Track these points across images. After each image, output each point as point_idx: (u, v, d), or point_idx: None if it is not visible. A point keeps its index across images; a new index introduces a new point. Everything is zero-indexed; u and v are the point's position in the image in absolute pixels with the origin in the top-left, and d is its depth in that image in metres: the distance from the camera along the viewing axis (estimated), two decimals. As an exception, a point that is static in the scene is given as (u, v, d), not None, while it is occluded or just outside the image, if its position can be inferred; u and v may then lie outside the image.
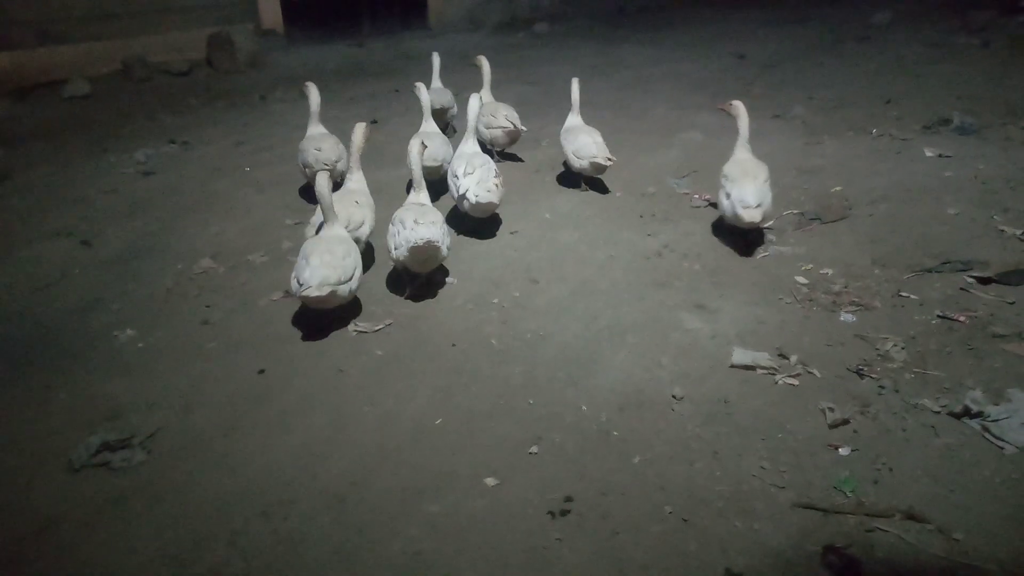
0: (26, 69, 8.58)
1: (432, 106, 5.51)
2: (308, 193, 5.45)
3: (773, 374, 3.28)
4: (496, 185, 4.57)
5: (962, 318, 3.56)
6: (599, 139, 5.13)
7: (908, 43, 9.08)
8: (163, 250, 4.79)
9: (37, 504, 2.77)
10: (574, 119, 5.35)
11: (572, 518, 2.61)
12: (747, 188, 4.13)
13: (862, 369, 3.27)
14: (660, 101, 7.55)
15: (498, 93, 6.81)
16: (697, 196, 5.15)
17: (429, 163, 4.86)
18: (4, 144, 6.48)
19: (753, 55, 9.40)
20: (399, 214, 4.03)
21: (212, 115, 7.90)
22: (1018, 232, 4.28)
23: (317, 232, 4.05)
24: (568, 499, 2.68)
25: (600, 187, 5.44)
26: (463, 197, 4.57)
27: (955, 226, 4.44)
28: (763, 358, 3.36)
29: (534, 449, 2.94)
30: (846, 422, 2.94)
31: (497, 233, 4.82)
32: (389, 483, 2.81)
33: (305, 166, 5.15)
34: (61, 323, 4.01)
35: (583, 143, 5.12)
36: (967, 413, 2.93)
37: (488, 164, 4.67)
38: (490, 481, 2.79)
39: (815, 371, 3.28)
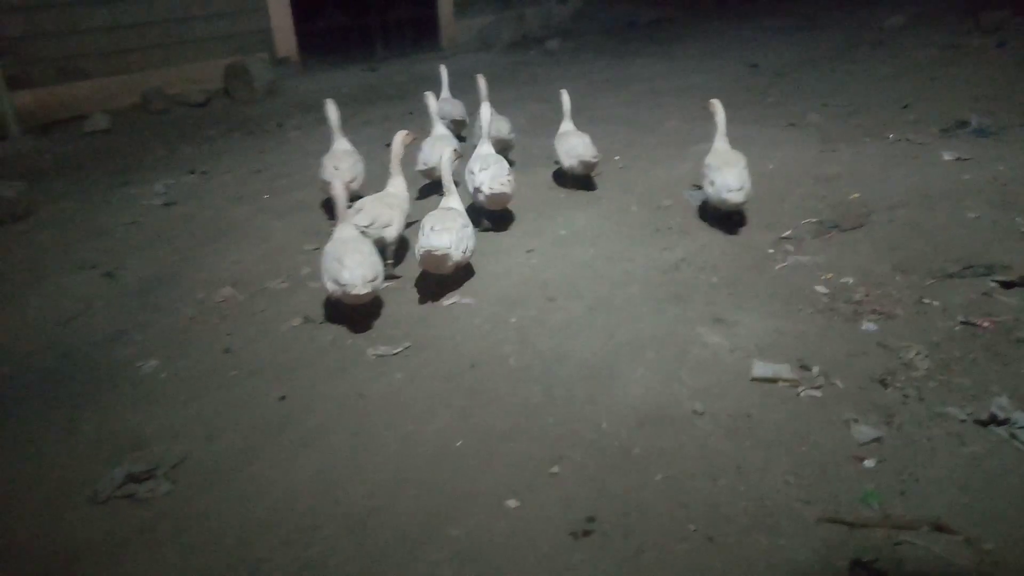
0: (47, 106, 8.75)
1: (444, 115, 6.30)
2: (331, 209, 5.53)
3: (795, 386, 3.25)
4: (508, 180, 4.91)
5: (986, 324, 3.51)
6: (587, 140, 5.51)
7: (922, 46, 9.02)
8: (184, 280, 4.85)
9: (63, 536, 2.80)
10: (567, 125, 5.73)
11: (595, 538, 2.59)
12: (729, 174, 4.56)
13: (885, 379, 3.23)
14: (673, 114, 7.55)
15: (510, 112, 6.88)
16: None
17: (421, 167, 5.56)
18: (27, 179, 6.59)
19: (766, 64, 9.38)
20: (425, 218, 4.25)
21: (230, 144, 8.00)
22: (1040, 234, 4.22)
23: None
24: (590, 519, 2.67)
25: (589, 186, 5.79)
26: (478, 190, 4.91)
27: (976, 230, 4.39)
28: (784, 370, 3.33)
29: (555, 469, 2.93)
30: (878, 440, 2.89)
31: (513, 251, 4.83)
32: (410, 507, 2.81)
33: (324, 180, 5.37)
34: (85, 355, 4.07)
35: (572, 144, 5.52)
36: (994, 420, 2.88)
37: (501, 162, 5.01)
38: (511, 503, 2.78)
39: (838, 382, 3.25)
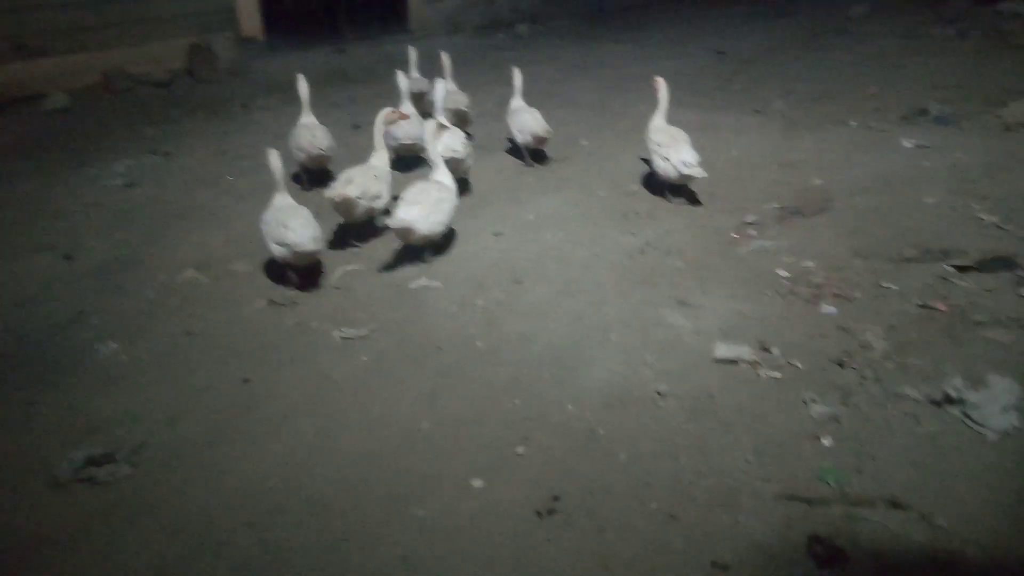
0: (4, 84, 8.51)
1: (412, 91, 6.38)
2: (315, 182, 5.65)
3: (756, 367, 3.30)
4: (460, 149, 5.11)
5: (942, 307, 3.60)
6: (537, 115, 5.76)
7: (885, 35, 9.15)
8: (145, 262, 4.77)
9: (22, 521, 2.76)
10: (517, 102, 5.96)
11: (559, 517, 2.61)
12: (684, 150, 4.79)
13: (844, 360, 3.29)
14: (641, 99, 7.52)
15: (479, 95, 6.86)
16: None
17: (405, 142, 5.68)
18: (-17, 160, 6.44)
19: (733, 51, 9.44)
20: (408, 188, 4.39)
21: (193, 125, 7.86)
22: (996, 220, 4.33)
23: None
24: (555, 498, 2.69)
25: (540, 157, 6.02)
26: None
27: (934, 216, 4.49)
28: (746, 352, 3.38)
29: (520, 450, 2.95)
30: (836, 420, 2.95)
31: (480, 235, 4.83)
32: (376, 489, 2.81)
33: (298, 149, 5.52)
34: (43, 338, 3.99)
35: (524, 120, 5.77)
36: (948, 400, 2.96)
37: (453, 133, 5.19)
38: (477, 483, 2.79)
39: (798, 363, 3.30)
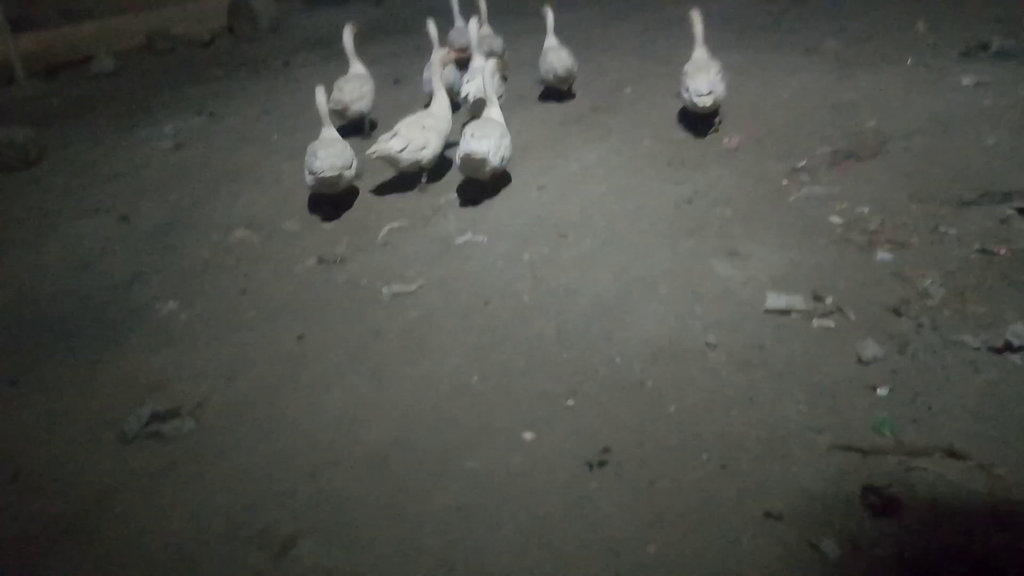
0: (52, 48, 8.68)
1: (458, 45, 6.48)
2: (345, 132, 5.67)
3: (808, 317, 3.25)
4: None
5: (1002, 251, 3.48)
6: (564, 55, 5.84)
7: (944, -35, 8.70)
8: (198, 222, 4.87)
9: (93, 475, 2.90)
10: (550, 41, 5.98)
11: (610, 468, 2.64)
12: (700, 79, 4.84)
13: (900, 308, 3.21)
14: (685, 43, 7.35)
15: (519, 44, 6.76)
16: (727, 139, 5.06)
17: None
18: (36, 124, 6.58)
19: (781, -12, 9.08)
20: (467, 126, 4.52)
21: (237, 84, 7.92)
22: (1062, 159, 4.14)
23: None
24: (605, 450, 2.72)
25: (563, 97, 6.14)
26: (464, 99, 5.24)
27: (994, 156, 4.31)
28: (798, 302, 3.33)
29: (570, 402, 2.97)
30: (892, 369, 2.89)
31: (524, 188, 4.80)
32: (429, 441, 2.87)
33: (332, 99, 5.61)
34: (105, 298, 4.13)
35: (550, 59, 5.87)
36: (1008, 347, 2.88)
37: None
38: (528, 435, 2.83)
39: (851, 312, 3.24)
